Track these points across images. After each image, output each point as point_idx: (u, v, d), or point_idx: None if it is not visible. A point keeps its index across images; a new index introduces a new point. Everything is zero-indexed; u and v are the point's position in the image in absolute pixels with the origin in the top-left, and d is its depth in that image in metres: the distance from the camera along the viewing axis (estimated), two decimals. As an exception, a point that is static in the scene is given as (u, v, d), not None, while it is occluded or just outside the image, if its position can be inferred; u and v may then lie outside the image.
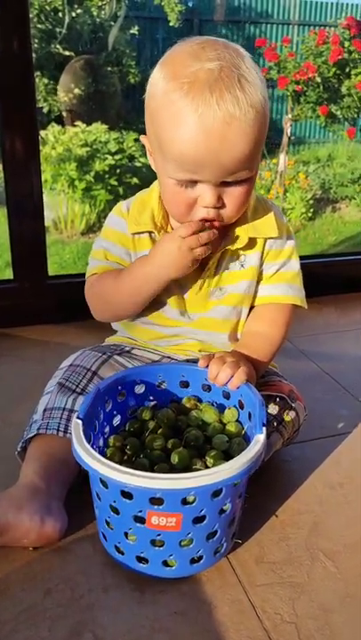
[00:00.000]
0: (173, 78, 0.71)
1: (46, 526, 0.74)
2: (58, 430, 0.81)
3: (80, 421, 0.72)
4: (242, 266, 0.88)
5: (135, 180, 3.00)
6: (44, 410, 0.85)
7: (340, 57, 3.01)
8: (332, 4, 3.62)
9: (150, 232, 0.87)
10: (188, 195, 0.77)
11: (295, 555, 0.78)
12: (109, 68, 3.15)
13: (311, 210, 3.22)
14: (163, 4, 3.03)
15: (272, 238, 0.87)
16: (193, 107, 0.69)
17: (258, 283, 0.90)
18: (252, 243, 0.87)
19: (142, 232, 0.87)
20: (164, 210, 0.86)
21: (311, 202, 3.25)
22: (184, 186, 0.76)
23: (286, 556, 0.77)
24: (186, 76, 0.70)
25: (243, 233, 0.85)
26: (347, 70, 3.05)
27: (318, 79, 3.03)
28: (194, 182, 0.75)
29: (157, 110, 0.74)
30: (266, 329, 0.90)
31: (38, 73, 2.97)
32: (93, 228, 2.90)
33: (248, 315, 0.92)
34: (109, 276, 0.90)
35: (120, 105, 3.20)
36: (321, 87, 3.06)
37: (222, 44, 0.73)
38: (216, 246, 0.85)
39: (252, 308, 0.92)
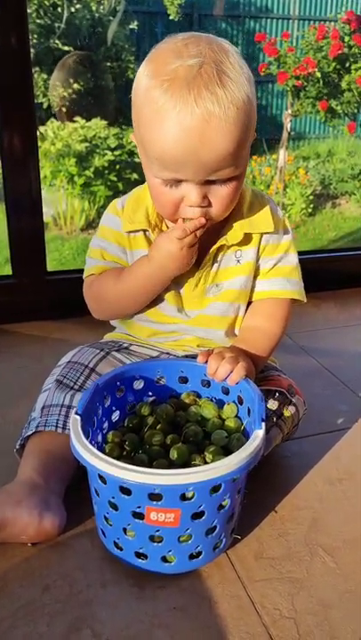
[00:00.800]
0: (155, 76, 0.71)
1: (45, 522, 0.74)
2: (56, 427, 0.81)
3: (78, 417, 0.72)
4: (238, 261, 0.88)
5: (135, 176, 2.99)
6: (43, 407, 0.85)
7: (340, 52, 3.00)
8: (331, -2, 3.60)
9: (145, 230, 0.86)
10: (174, 194, 0.76)
11: (294, 550, 0.77)
12: (108, 64, 3.14)
13: (311, 206, 3.22)
14: (162, -4, 3.01)
15: (268, 233, 0.87)
16: (171, 104, 0.69)
17: (255, 278, 0.90)
18: (247, 238, 0.86)
19: (137, 230, 0.87)
20: None
21: (311, 197, 3.24)
22: (169, 185, 0.76)
23: (286, 552, 0.77)
24: (166, 73, 0.70)
25: (238, 228, 0.85)
26: (347, 65, 3.04)
27: (318, 74, 3.02)
28: (178, 181, 0.75)
29: (140, 109, 0.74)
30: (264, 324, 0.89)
31: (37, 68, 2.96)
32: (93, 224, 2.89)
33: (246, 311, 0.92)
34: (109, 278, 0.89)
35: (119, 100, 3.19)
36: (321, 82, 3.05)
37: (207, 39, 0.72)
38: (212, 242, 0.85)
39: (250, 303, 0.92)
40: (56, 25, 2.98)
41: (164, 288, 0.87)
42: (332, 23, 3.12)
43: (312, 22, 3.31)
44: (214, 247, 0.85)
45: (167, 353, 0.95)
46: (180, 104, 0.68)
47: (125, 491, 0.66)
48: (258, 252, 0.88)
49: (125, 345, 0.96)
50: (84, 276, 0.94)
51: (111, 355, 0.92)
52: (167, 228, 0.87)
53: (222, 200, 0.77)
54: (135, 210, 0.86)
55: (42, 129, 2.97)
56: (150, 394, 0.88)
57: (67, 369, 0.89)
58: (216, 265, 0.87)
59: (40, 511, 0.74)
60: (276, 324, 0.90)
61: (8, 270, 1.45)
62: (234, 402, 0.83)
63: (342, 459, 0.96)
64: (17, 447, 0.85)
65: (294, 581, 0.73)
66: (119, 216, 0.89)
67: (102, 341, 0.99)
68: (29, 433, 0.83)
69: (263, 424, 0.72)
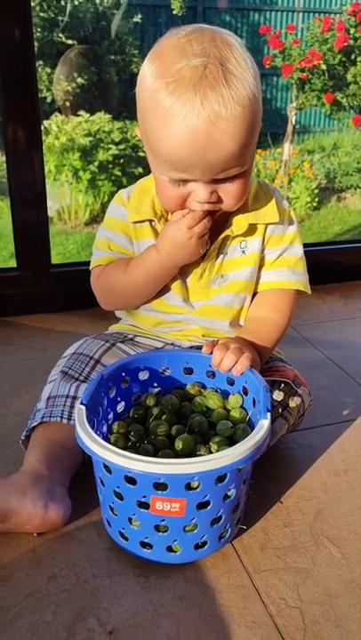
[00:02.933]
0: (160, 76, 0.70)
1: (50, 512, 0.74)
2: (62, 417, 0.81)
3: (83, 407, 0.72)
4: (243, 252, 0.87)
5: (139, 170, 2.98)
6: (48, 398, 0.85)
7: (345, 44, 2.97)
8: (337, -10, 3.57)
9: (151, 220, 0.86)
10: (181, 191, 0.76)
11: (300, 540, 0.77)
12: (112, 57, 3.12)
13: (316, 199, 3.20)
14: (166, -9, 3.00)
15: (273, 224, 0.87)
16: (178, 107, 0.68)
17: (260, 269, 0.90)
18: (252, 229, 0.86)
19: (143, 221, 0.87)
20: None
21: (316, 191, 3.23)
22: (176, 183, 0.76)
23: (291, 542, 0.77)
24: (171, 74, 0.69)
25: (243, 219, 0.84)
26: (352, 57, 3.02)
27: (323, 67, 3.00)
28: (186, 180, 0.75)
29: (146, 110, 0.73)
30: (269, 314, 0.89)
31: (40, 62, 2.95)
32: (97, 219, 2.89)
33: (251, 302, 0.91)
34: (118, 269, 0.89)
35: (123, 94, 3.18)
36: (326, 75, 3.03)
37: (211, 34, 0.71)
38: (217, 233, 0.85)
39: (255, 294, 0.92)
40: (59, 18, 2.97)
41: (172, 278, 0.87)
42: (338, 15, 3.09)
43: (317, 14, 3.29)
44: (219, 238, 0.85)
45: (172, 343, 0.95)
46: (187, 106, 0.68)
47: (131, 480, 0.66)
48: (263, 242, 0.88)
49: (130, 336, 0.96)
50: (90, 267, 0.94)
51: (116, 346, 0.92)
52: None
53: (232, 196, 0.77)
54: (141, 200, 0.86)
55: (46, 123, 2.96)
56: (155, 385, 0.88)
57: (72, 360, 0.89)
58: (221, 256, 0.87)
59: (45, 501, 0.74)
60: (281, 314, 0.89)
61: (13, 263, 1.45)
62: (239, 392, 0.83)
63: (348, 450, 0.96)
64: (22, 438, 0.85)
65: (300, 571, 0.73)
66: (125, 206, 0.89)
67: (107, 333, 0.99)
68: (35, 424, 0.83)
69: (268, 414, 0.72)
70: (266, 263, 0.90)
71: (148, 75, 0.72)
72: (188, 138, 0.69)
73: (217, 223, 0.85)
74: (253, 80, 0.71)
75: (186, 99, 0.68)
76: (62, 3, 2.99)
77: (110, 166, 2.96)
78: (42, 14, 2.94)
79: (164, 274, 0.86)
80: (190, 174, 0.73)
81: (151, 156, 0.77)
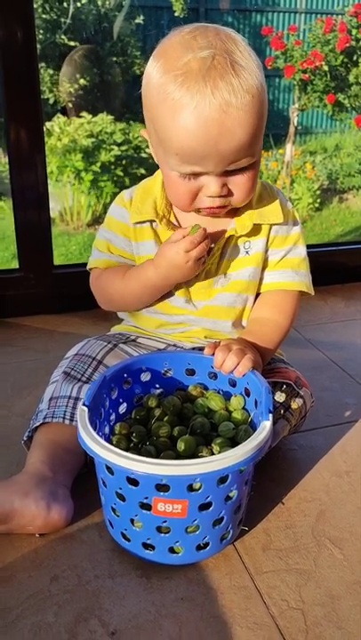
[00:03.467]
0: (167, 71, 0.70)
1: (52, 513, 0.74)
2: (64, 418, 0.82)
3: (86, 408, 0.72)
4: (247, 252, 0.88)
5: (141, 171, 2.98)
6: (50, 399, 0.85)
7: (347, 45, 2.97)
8: (339, -9, 3.57)
9: (152, 221, 0.86)
10: (192, 186, 0.76)
11: (302, 542, 0.77)
12: (115, 58, 3.13)
13: (318, 200, 3.20)
14: (168, -8, 3.00)
15: (277, 224, 0.87)
16: (188, 98, 0.69)
17: (263, 269, 0.90)
18: (257, 229, 0.86)
19: (144, 221, 0.87)
20: (166, 199, 0.85)
21: (318, 192, 3.23)
22: (187, 178, 0.76)
23: (293, 544, 0.77)
24: (179, 67, 0.69)
25: (247, 219, 0.85)
26: (354, 58, 3.02)
27: (325, 68, 3.00)
28: (197, 174, 0.75)
29: (154, 106, 0.74)
30: (272, 315, 0.89)
31: (43, 64, 2.96)
32: (99, 220, 2.89)
33: (254, 302, 0.91)
34: (116, 276, 0.90)
35: (126, 95, 3.18)
36: (328, 76, 3.03)
37: (213, 30, 0.72)
38: (220, 233, 0.85)
39: (258, 295, 0.92)
40: (62, 20, 2.97)
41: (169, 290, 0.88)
42: (340, 16, 3.09)
43: (319, 15, 3.29)
44: (223, 237, 0.85)
45: (174, 345, 0.95)
46: (198, 97, 0.68)
47: (133, 481, 0.66)
48: (267, 243, 0.88)
49: (132, 337, 0.96)
50: (88, 266, 0.94)
51: (118, 347, 0.92)
52: (175, 219, 0.87)
53: (242, 188, 0.77)
54: (143, 200, 0.87)
55: (48, 124, 2.97)
56: (157, 386, 0.88)
57: (74, 361, 0.89)
58: (225, 256, 0.87)
59: (47, 502, 0.74)
60: (283, 316, 0.89)
61: (15, 264, 1.45)
62: (241, 394, 0.83)
63: (350, 451, 0.96)
64: (24, 439, 0.85)
65: (302, 573, 0.73)
66: (126, 208, 0.89)
67: (109, 334, 0.99)
68: (37, 424, 0.83)
69: (270, 415, 0.72)
70: (269, 264, 0.90)
71: (155, 72, 0.73)
72: (200, 128, 0.69)
73: (221, 223, 0.85)
74: (259, 71, 0.72)
75: (196, 89, 0.68)
76: (65, 4, 2.99)
77: (112, 167, 2.96)
78: (44, 16, 2.95)
79: (159, 289, 0.87)
80: (202, 166, 0.73)
81: (161, 151, 0.77)
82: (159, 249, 0.84)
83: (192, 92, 0.68)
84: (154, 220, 0.86)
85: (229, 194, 0.77)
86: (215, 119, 0.69)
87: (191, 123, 0.69)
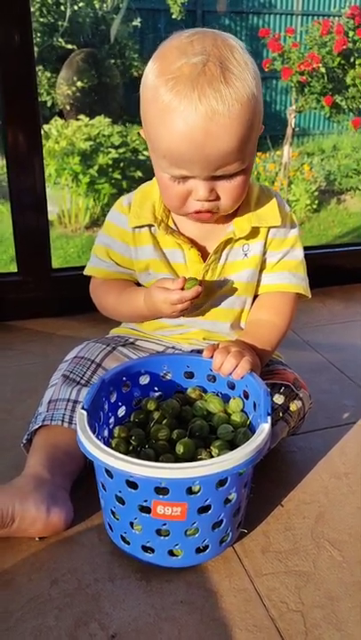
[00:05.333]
0: (161, 74, 0.71)
1: (52, 516, 0.74)
2: (63, 421, 0.82)
3: (85, 412, 0.72)
4: (245, 255, 0.88)
5: (139, 174, 2.99)
6: (49, 401, 0.85)
7: (344, 47, 2.98)
8: (335, -7, 3.58)
9: (151, 225, 0.87)
10: (181, 189, 0.77)
11: (301, 544, 0.78)
12: (112, 61, 3.14)
13: (316, 202, 3.21)
14: (165, -5, 3.01)
15: (275, 227, 0.87)
16: (176, 102, 0.69)
17: (261, 272, 0.90)
18: (255, 232, 0.87)
19: (143, 226, 0.87)
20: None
21: (316, 193, 3.23)
22: (177, 181, 0.76)
23: (292, 546, 0.77)
24: (171, 71, 0.70)
25: (246, 222, 0.85)
26: (351, 60, 3.02)
27: (323, 69, 3.00)
28: (186, 177, 0.76)
29: (147, 107, 0.75)
30: (270, 317, 0.90)
31: (40, 67, 2.96)
32: (97, 222, 2.89)
33: (252, 304, 0.92)
34: (110, 292, 0.93)
35: (123, 98, 3.19)
36: (325, 78, 3.03)
37: (212, 36, 0.72)
38: (219, 236, 0.86)
39: (255, 297, 0.92)
40: (59, 23, 2.98)
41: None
42: (337, 18, 3.10)
43: (316, 17, 3.30)
44: (221, 240, 0.85)
45: (172, 347, 0.95)
46: (185, 102, 0.69)
47: (132, 484, 0.66)
48: (265, 245, 0.88)
49: (131, 340, 0.96)
50: (85, 272, 0.95)
51: (117, 350, 0.92)
52: (173, 223, 0.87)
53: (230, 194, 0.78)
54: (142, 205, 0.87)
55: (46, 127, 2.97)
56: (156, 389, 0.88)
57: (73, 364, 0.89)
58: (223, 258, 0.87)
59: (47, 505, 0.74)
60: (281, 317, 0.90)
61: (14, 268, 1.45)
62: (240, 396, 0.83)
63: (348, 453, 0.96)
64: (24, 442, 0.85)
65: (301, 575, 0.73)
66: (124, 213, 0.89)
67: (108, 336, 0.99)
68: (36, 427, 0.83)
69: (269, 418, 0.72)
70: (267, 266, 0.90)
71: (150, 74, 0.73)
72: (186, 133, 0.70)
73: (220, 226, 0.86)
74: (253, 80, 0.72)
75: (184, 94, 0.69)
76: (62, 8, 3.00)
77: (110, 170, 2.96)
78: (41, 19, 2.95)
79: (147, 317, 0.91)
80: (189, 170, 0.74)
81: (153, 153, 0.78)
82: (152, 286, 0.84)
83: (180, 97, 0.69)
84: (152, 225, 0.86)
85: (218, 199, 0.78)
86: (200, 125, 0.69)
87: (178, 127, 0.70)
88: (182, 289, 0.80)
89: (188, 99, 0.69)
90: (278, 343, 0.90)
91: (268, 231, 0.88)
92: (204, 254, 0.87)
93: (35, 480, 0.76)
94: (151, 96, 0.72)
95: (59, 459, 0.80)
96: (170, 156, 0.73)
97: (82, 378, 0.88)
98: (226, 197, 0.78)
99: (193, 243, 0.87)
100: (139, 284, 0.94)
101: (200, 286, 0.80)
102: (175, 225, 0.87)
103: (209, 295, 0.89)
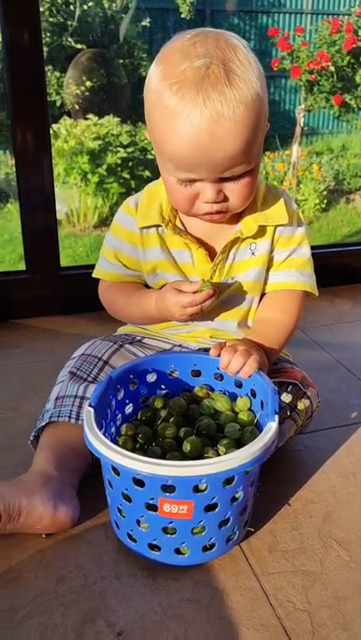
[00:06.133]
0: (164, 78, 0.71)
1: (59, 512, 0.74)
2: (70, 417, 0.82)
3: (92, 409, 0.72)
4: (253, 254, 0.88)
5: (147, 173, 2.99)
6: (56, 398, 0.85)
7: (353, 45, 2.97)
8: (345, -8, 3.57)
9: (158, 226, 0.87)
10: (189, 191, 0.77)
11: (308, 543, 0.77)
12: (121, 61, 3.14)
13: (325, 201, 3.20)
14: (174, -6, 3.01)
15: (282, 225, 0.87)
16: (181, 107, 0.69)
17: (268, 270, 0.90)
18: (262, 230, 0.86)
19: (150, 226, 0.87)
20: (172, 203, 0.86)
21: (325, 193, 3.22)
22: (184, 184, 0.76)
23: (299, 545, 0.77)
24: (175, 75, 0.70)
25: (253, 221, 0.85)
26: (361, 59, 3.01)
27: (332, 68, 2.99)
28: (193, 180, 0.75)
29: (151, 111, 0.74)
30: (277, 315, 0.89)
31: (50, 66, 2.97)
32: (106, 222, 2.90)
33: (259, 302, 0.92)
34: (121, 295, 0.92)
35: (132, 97, 3.19)
36: (335, 76, 3.02)
37: (214, 36, 0.72)
38: (226, 235, 0.85)
39: (263, 295, 0.92)
40: (68, 23, 2.99)
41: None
42: (346, 17, 3.09)
43: (326, 16, 3.29)
44: (229, 240, 0.85)
45: (180, 345, 0.95)
46: (190, 106, 0.69)
47: (139, 482, 0.66)
48: (272, 243, 0.88)
49: (138, 338, 0.96)
50: (94, 274, 0.95)
51: (124, 347, 0.92)
52: (180, 223, 0.87)
53: (238, 195, 0.77)
54: (149, 205, 0.87)
55: (55, 127, 2.98)
56: (163, 387, 0.88)
57: (80, 361, 0.89)
58: (231, 258, 0.87)
59: (54, 502, 0.74)
60: (288, 315, 0.89)
61: (22, 266, 1.46)
62: (247, 395, 0.83)
63: (356, 452, 0.96)
64: (31, 438, 0.85)
65: (308, 574, 0.73)
66: (132, 215, 0.89)
67: (116, 334, 0.99)
68: (43, 424, 0.83)
69: (276, 417, 0.71)
70: (274, 264, 0.90)
71: (154, 77, 0.73)
72: (191, 137, 0.70)
73: (227, 225, 0.85)
74: (257, 80, 0.71)
75: (188, 98, 0.69)
76: (71, 7, 3.01)
77: (119, 169, 2.97)
78: (51, 19, 2.96)
79: (157, 319, 0.90)
80: (196, 174, 0.74)
81: (158, 157, 0.78)
82: (164, 288, 0.84)
83: (185, 101, 0.69)
84: (160, 225, 0.86)
85: (226, 200, 0.78)
86: (206, 129, 0.69)
87: (183, 131, 0.70)
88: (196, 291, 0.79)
89: (192, 103, 0.69)
90: (286, 341, 0.89)
91: (276, 229, 0.87)
92: (211, 254, 0.87)
93: (42, 477, 0.76)
94: (155, 100, 0.72)
95: (66, 455, 0.80)
96: (176, 159, 0.73)
97: (89, 375, 0.88)
98: (234, 198, 0.78)
99: (200, 242, 0.87)
100: (147, 287, 0.94)
101: (214, 291, 0.79)
102: (183, 225, 0.87)
103: (217, 295, 0.89)
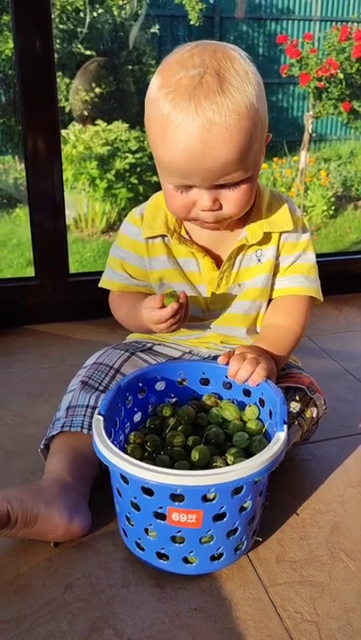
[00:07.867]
0: (161, 87, 0.72)
1: (74, 524, 0.75)
2: (82, 427, 0.82)
3: (101, 417, 0.73)
4: (259, 260, 0.88)
5: (155, 179, 2.99)
6: (68, 407, 0.85)
7: (362, 53, 2.97)
8: (354, -1, 3.57)
9: (164, 236, 0.87)
10: (185, 198, 0.78)
11: (316, 554, 0.77)
12: (130, 67, 3.15)
13: (333, 208, 3.19)
14: (183, 2, 3.02)
15: (287, 232, 0.87)
16: (175, 115, 0.70)
17: (274, 276, 0.91)
18: (267, 237, 0.87)
19: (156, 236, 0.88)
20: None
21: (332, 199, 3.21)
22: (180, 190, 0.77)
23: (307, 555, 0.77)
24: (171, 84, 0.71)
25: (258, 228, 0.85)
26: (369, 66, 3.01)
27: (341, 75, 3.00)
28: (189, 187, 0.76)
29: (149, 119, 0.76)
30: (284, 321, 0.90)
31: (60, 73, 2.99)
32: (114, 227, 2.91)
33: (266, 308, 0.92)
34: (124, 306, 0.93)
35: (140, 103, 3.20)
36: (343, 83, 3.03)
37: (212, 48, 0.73)
38: (231, 243, 0.86)
39: (269, 301, 0.92)
40: (79, 30, 3.00)
41: (192, 292, 0.89)
42: (355, 24, 3.09)
43: (335, 23, 3.29)
44: (234, 247, 0.86)
45: (190, 352, 0.95)
46: (182, 114, 0.70)
47: (147, 491, 0.66)
48: (277, 250, 0.89)
49: (149, 345, 0.97)
50: (101, 284, 0.96)
51: (136, 355, 0.93)
52: (186, 232, 0.87)
53: (234, 202, 0.77)
54: (154, 216, 0.88)
55: (64, 132, 3.00)
56: (172, 395, 0.89)
57: (92, 370, 0.90)
58: (237, 265, 0.88)
59: (70, 513, 0.74)
60: (295, 321, 0.90)
61: (30, 271, 1.47)
62: (255, 404, 0.83)
63: (365, 462, 0.96)
64: (41, 447, 0.86)
65: (316, 585, 0.72)
66: (137, 225, 0.90)
67: (126, 342, 1.00)
68: (54, 433, 0.83)
69: (285, 426, 0.71)
70: (280, 270, 0.91)
71: (153, 87, 0.75)
72: (183, 145, 0.71)
73: (232, 232, 0.86)
74: (253, 90, 0.72)
75: (181, 107, 0.70)
76: (81, 14, 3.03)
77: (127, 175, 2.98)
78: (61, 26, 2.98)
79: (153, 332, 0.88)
80: (191, 180, 0.75)
81: (157, 164, 0.79)
82: (141, 304, 0.84)
83: (178, 110, 0.70)
84: (165, 235, 0.87)
85: (221, 208, 0.78)
86: (198, 137, 0.70)
87: (176, 139, 0.71)
88: (163, 307, 0.79)
89: (185, 110, 0.70)
90: (294, 347, 0.90)
91: (281, 236, 0.88)
92: (217, 262, 0.88)
93: (59, 485, 0.76)
94: (152, 108, 0.74)
95: (79, 463, 0.80)
96: (170, 166, 0.74)
97: (100, 384, 0.88)
98: (230, 206, 0.78)
99: (206, 251, 0.87)
100: None
101: (179, 302, 0.78)
102: (188, 234, 0.88)
103: (224, 302, 0.89)
